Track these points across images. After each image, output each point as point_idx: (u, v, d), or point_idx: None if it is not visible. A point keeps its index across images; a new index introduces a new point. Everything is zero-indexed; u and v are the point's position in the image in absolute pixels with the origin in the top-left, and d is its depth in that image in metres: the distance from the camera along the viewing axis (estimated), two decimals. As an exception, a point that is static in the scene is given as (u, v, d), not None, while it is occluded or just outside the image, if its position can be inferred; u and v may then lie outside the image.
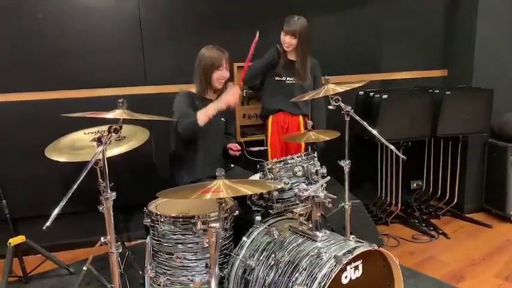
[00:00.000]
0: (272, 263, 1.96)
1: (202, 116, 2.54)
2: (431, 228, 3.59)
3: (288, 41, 3.06)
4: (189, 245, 2.15)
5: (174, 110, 2.67)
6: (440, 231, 3.53)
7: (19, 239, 2.91)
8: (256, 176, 2.48)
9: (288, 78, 3.16)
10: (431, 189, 4.04)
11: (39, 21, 3.11)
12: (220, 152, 2.87)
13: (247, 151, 2.93)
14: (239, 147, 2.91)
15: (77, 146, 2.55)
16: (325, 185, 2.17)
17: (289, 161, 2.26)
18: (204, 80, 2.71)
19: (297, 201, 2.23)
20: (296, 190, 2.19)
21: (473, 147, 3.83)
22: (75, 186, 1.54)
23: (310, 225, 2.06)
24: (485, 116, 3.58)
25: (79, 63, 3.22)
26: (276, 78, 3.18)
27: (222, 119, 2.88)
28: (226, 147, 2.91)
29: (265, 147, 3.11)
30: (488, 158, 3.85)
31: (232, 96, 2.65)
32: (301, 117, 3.22)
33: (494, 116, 3.63)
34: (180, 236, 2.14)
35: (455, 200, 3.86)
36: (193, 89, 2.79)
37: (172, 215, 2.16)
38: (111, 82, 3.28)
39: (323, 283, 1.71)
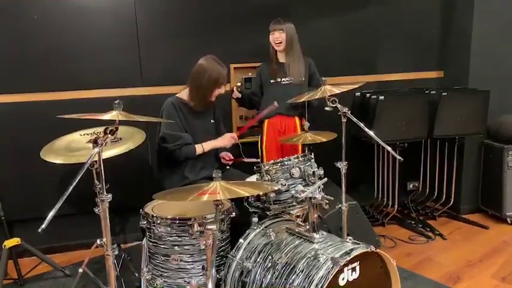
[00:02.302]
0: (269, 265, 1.95)
1: (199, 150, 2.71)
2: (428, 230, 3.59)
3: (277, 36, 3.08)
4: (186, 247, 2.14)
5: (162, 129, 2.68)
6: (437, 232, 3.53)
7: (14, 241, 2.90)
8: (253, 178, 2.47)
9: (283, 79, 3.16)
10: (427, 190, 4.04)
11: (34, 22, 3.10)
12: (214, 153, 2.86)
13: (241, 160, 2.94)
14: (231, 157, 2.93)
15: (73, 147, 2.53)
16: (322, 187, 2.16)
17: (286, 163, 2.26)
18: (202, 93, 2.71)
19: (294, 203, 2.23)
20: (293, 192, 2.20)
21: (470, 149, 3.84)
22: (71, 188, 1.53)
23: (307, 227, 2.05)
24: (481, 117, 3.59)
25: (75, 64, 3.21)
26: (271, 80, 3.18)
27: (212, 120, 2.88)
28: (218, 155, 2.93)
29: (258, 160, 3.08)
30: (484, 159, 3.86)
31: (227, 140, 2.82)
32: (297, 119, 3.22)
33: (490, 117, 3.64)
34: (176, 238, 2.14)
35: (452, 201, 3.87)
36: (181, 93, 2.79)
37: (169, 216, 2.15)
38: (108, 83, 3.27)
39: (320, 285, 1.70)
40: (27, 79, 3.15)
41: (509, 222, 3.67)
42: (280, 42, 3.11)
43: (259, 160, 3.08)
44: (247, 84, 3.52)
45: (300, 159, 2.29)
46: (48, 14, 3.12)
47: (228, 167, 2.93)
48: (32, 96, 3.16)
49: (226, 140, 2.83)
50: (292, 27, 3.12)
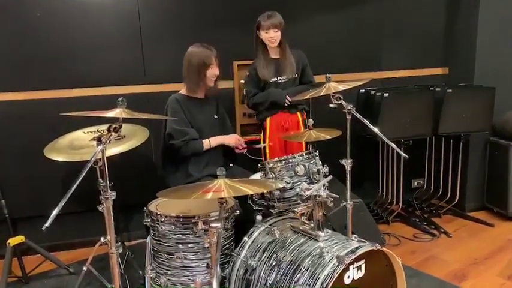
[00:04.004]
0: (274, 263, 1.94)
1: (206, 145, 2.72)
2: (433, 227, 3.57)
3: (272, 35, 3.02)
4: (190, 245, 2.13)
5: (168, 126, 2.68)
6: (442, 230, 3.51)
7: (18, 239, 2.89)
8: (257, 176, 2.46)
9: (279, 78, 3.13)
10: (432, 187, 4.02)
11: (37, 19, 3.09)
12: (219, 150, 2.85)
13: (250, 150, 2.95)
14: (244, 145, 2.93)
15: (76, 145, 2.53)
16: (326, 184, 2.15)
17: (291, 160, 2.24)
18: (195, 80, 2.72)
19: (299, 201, 2.22)
20: (298, 189, 2.18)
21: (475, 146, 3.81)
22: (74, 186, 1.53)
23: (312, 225, 2.04)
24: (486, 114, 3.56)
25: (78, 62, 3.20)
26: (268, 81, 3.13)
27: (215, 115, 2.88)
28: (231, 152, 2.93)
29: (263, 144, 3.10)
30: (489, 157, 3.83)
31: (233, 140, 2.85)
32: (299, 114, 3.20)
33: (496, 114, 3.61)
34: (180, 236, 2.13)
35: (457, 199, 3.84)
36: (184, 89, 2.79)
37: (173, 214, 2.14)
38: (111, 81, 3.27)
39: (325, 283, 1.69)
40: (30, 77, 3.14)
41: (515, 219, 3.65)
42: (275, 40, 3.08)
43: (264, 144, 3.10)
44: (246, 86, 3.50)
45: (305, 156, 2.27)
46: (51, 12, 3.11)
47: (231, 164, 2.92)
48: (35, 94, 3.16)
49: (233, 139, 2.85)
50: (282, 20, 3.04)
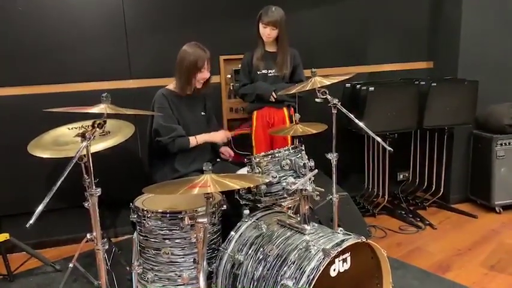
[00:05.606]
0: (260, 257, 1.95)
1: (193, 142, 2.70)
2: (418, 219, 3.62)
3: (268, 33, 3.05)
4: (177, 241, 2.13)
5: (154, 122, 2.66)
6: (427, 222, 3.56)
7: (3, 236, 2.87)
8: (244, 170, 2.47)
9: (270, 71, 3.14)
10: (417, 180, 4.07)
11: (19, 14, 3.04)
12: (206, 146, 2.85)
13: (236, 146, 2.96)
14: (232, 154, 2.95)
15: (61, 141, 2.51)
16: (312, 178, 2.16)
17: (277, 155, 2.25)
18: (185, 79, 2.70)
19: (285, 195, 2.23)
20: (284, 184, 2.19)
21: (459, 139, 3.87)
22: (59, 183, 1.51)
23: (298, 219, 2.05)
24: (470, 108, 3.61)
25: (62, 57, 3.16)
26: (258, 72, 3.16)
27: (202, 112, 2.87)
28: (218, 149, 2.94)
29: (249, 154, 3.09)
30: (473, 149, 3.89)
31: (221, 137, 2.87)
32: (285, 110, 3.21)
33: (479, 107, 3.65)
34: (167, 231, 2.13)
35: (441, 191, 3.90)
36: (171, 84, 2.78)
37: (159, 210, 2.13)
38: (95, 76, 3.23)
39: (311, 276, 1.71)
40: (13, 72, 3.09)
41: (498, 211, 3.72)
42: (270, 37, 3.08)
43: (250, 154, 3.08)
44: (238, 76, 3.51)
45: (291, 151, 2.28)
46: (34, 6, 3.06)
47: (218, 160, 2.92)
48: (18, 90, 3.11)
49: (219, 136, 2.85)
50: (283, 16, 3.05)
